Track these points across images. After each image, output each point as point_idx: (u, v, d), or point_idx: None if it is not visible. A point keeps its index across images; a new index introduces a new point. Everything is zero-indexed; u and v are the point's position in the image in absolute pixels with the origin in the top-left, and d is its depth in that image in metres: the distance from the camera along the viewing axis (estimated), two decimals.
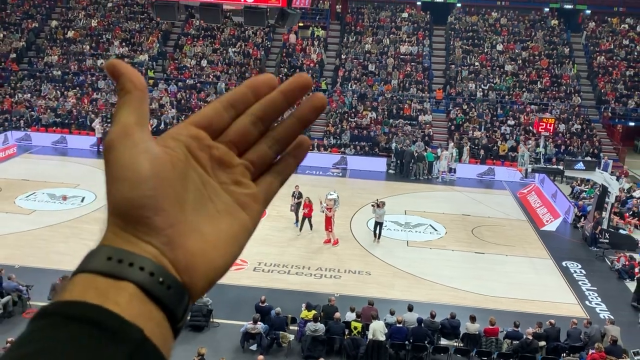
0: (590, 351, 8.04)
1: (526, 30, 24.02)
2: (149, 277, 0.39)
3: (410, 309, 8.71)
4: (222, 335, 8.50)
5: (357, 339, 8.19)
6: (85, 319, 0.36)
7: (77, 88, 21.15)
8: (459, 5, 24.75)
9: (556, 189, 15.54)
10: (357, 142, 19.21)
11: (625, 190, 15.89)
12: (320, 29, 23.85)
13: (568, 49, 23.21)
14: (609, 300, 10.33)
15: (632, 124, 21.09)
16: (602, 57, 22.77)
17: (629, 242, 12.95)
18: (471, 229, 13.52)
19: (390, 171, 17.99)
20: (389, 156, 18.27)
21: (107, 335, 0.35)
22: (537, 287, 10.58)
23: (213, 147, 0.45)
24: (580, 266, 11.79)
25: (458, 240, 12.79)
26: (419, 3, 24.82)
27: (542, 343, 8.36)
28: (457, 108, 20.78)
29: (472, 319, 8.54)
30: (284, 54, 22.93)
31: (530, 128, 18.90)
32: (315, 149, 19.09)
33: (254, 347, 8.12)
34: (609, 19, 24.37)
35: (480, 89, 21.54)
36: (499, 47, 23.17)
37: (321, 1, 24.60)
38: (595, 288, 10.80)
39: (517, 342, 8.26)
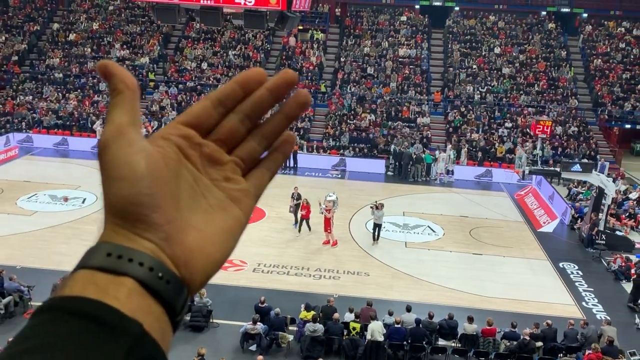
0: (587, 352, 8.09)
1: (523, 33, 24.20)
2: (148, 272, 0.39)
3: (408, 309, 8.77)
4: (221, 336, 8.55)
5: (355, 339, 8.24)
6: (84, 313, 0.36)
7: (79, 90, 21.24)
8: (457, 8, 24.93)
9: (553, 190, 15.65)
10: (356, 144, 19.30)
11: (622, 192, 15.98)
12: (319, 32, 23.98)
13: (565, 52, 23.39)
14: (605, 301, 10.40)
15: (628, 126, 21.24)
16: (599, 60, 22.96)
17: (625, 243, 13.04)
18: (469, 231, 13.60)
19: (389, 173, 18.08)
20: (387, 158, 18.37)
21: (107, 330, 0.35)
22: (534, 288, 10.65)
23: (203, 145, 0.46)
24: (577, 267, 11.87)
25: (456, 241, 12.87)
26: (417, 6, 24.99)
27: (539, 343, 8.41)
28: (455, 110, 20.91)
29: (470, 320, 8.60)
30: (284, 57, 23.06)
31: (528, 130, 19.02)
32: (315, 150, 19.20)
33: (253, 348, 8.17)
34: (605, 22, 24.58)
35: (478, 92, 21.69)
36: (497, 50, 23.34)
37: (321, 4, 24.76)
38: (592, 289, 10.88)
39: (515, 342, 8.32)
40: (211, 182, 0.45)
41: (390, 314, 8.68)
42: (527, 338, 8.22)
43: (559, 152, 18.89)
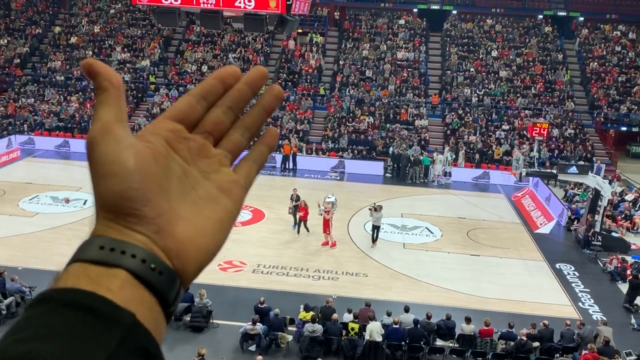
0: (583, 352, 8.17)
1: (520, 36, 24.41)
2: (141, 263, 0.40)
3: (406, 310, 8.84)
4: (221, 336, 8.60)
5: (354, 339, 8.30)
6: (78, 305, 0.37)
7: (80, 93, 21.32)
8: (454, 12, 25.13)
9: (550, 192, 15.75)
10: (354, 146, 19.41)
11: (618, 194, 16.11)
12: (318, 35, 24.14)
13: (561, 55, 23.58)
14: (601, 301, 10.48)
15: (624, 128, 21.41)
16: (595, 63, 23.16)
17: (621, 244, 13.14)
18: (466, 232, 13.69)
19: (387, 175, 18.18)
20: (386, 160, 18.48)
21: (100, 321, 0.36)
22: (531, 289, 10.74)
23: (190, 139, 0.47)
24: (573, 268, 11.96)
25: (454, 242, 12.95)
26: (415, 10, 25.17)
27: (536, 344, 8.47)
28: (452, 113, 21.05)
29: (467, 320, 8.67)
30: (283, 60, 23.19)
31: (525, 133, 19.18)
32: (314, 152, 19.30)
33: (253, 348, 8.22)
34: (601, 26, 24.81)
35: (476, 94, 21.85)
36: (494, 54, 23.53)
37: (320, 8, 24.93)
38: (588, 290, 10.96)
39: (512, 343, 8.39)
40: (200, 175, 0.46)
41: (389, 314, 8.74)
42: (524, 338, 8.29)
43: (555, 154, 19.03)
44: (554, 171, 14.68)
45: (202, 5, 10.50)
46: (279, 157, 18.26)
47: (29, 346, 0.34)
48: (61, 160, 17.88)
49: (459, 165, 18.52)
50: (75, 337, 0.35)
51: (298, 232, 12.59)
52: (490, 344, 8.53)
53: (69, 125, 19.93)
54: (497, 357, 8.36)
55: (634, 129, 21.41)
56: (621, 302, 10.49)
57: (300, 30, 22.96)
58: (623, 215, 14.94)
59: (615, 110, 21.50)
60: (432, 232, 13.56)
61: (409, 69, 22.79)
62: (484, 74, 22.67)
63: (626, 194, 16.34)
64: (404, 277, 10.97)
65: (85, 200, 13.91)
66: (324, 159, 18.77)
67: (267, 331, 8.30)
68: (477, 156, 19.01)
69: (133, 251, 0.40)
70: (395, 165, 18.13)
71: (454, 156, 18.56)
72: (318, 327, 8.17)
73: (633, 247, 13.22)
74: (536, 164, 15.13)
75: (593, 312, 10.13)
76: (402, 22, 24.96)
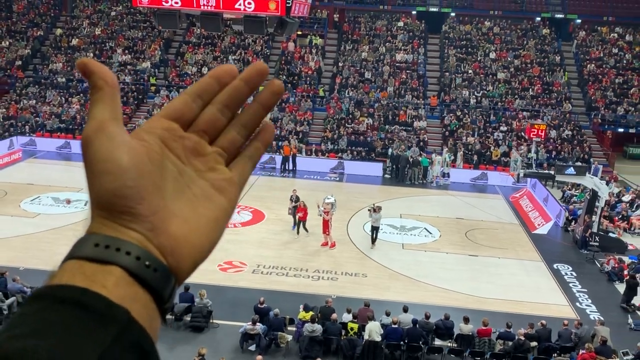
0: (581, 351, 8.22)
1: (518, 39, 24.56)
2: (136, 261, 0.40)
3: (405, 310, 8.89)
4: (221, 336, 8.64)
5: (353, 339, 8.35)
6: (73, 301, 0.37)
7: (81, 94, 21.37)
8: (453, 14, 25.28)
9: (547, 193, 15.83)
10: (354, 148, 19.50)
11: (615, 195, 16.21)
12: (318, 38, 24.26)
13: (559, 57, 23.74)
14: (598, 301, 10.54)
15: (621, 130, 21.54)
16: (592, 65, 23.31)
17: (618, 245, 13.21)
18: (465, 232, 13.76)
19: (386, 176, 18.25)
20: (385, 161, 18.56)
21: (95, 317, 0.36)
22: (529, 289, 10.80)
23: (185, 138, 0.47)
24: (571, 268, 12.03)
25: (452, 243, 13.02)
26: (414, 12, 25.32)
27: (534, 343, 8.52)
28: (451, 114, 21.17)
29: (466, 320, 8.72)
30: (283, 62, 23.28)
31: (522, 134, 19.30)
32: (313, 154, 19.38)
33: (252, 348, 8.27)
34: (598, 28, 24.97)
35: (474, 96, 21.96)
36: (492, 56, 23.67)
37: (319, 10, 25.05)
38: (586, 290, 11.02)
39: (510, 342, 8.44)
40: (195, 173, 0.46)
41: (388, 314, 8.79)
42: (522, 338, 8.34)
43: (553, 156, 19.14)
44: (552, 172, 14.78)
45: (202, 7, 10.57)
46: (278, 159, 18.33)
47: (23, 342, 0.34)
48: (62, 161, 17.92)
49: (458, 167, 18.61)
50: (70, 334, 0.35)
51: (297, 232, 12.64)
52: (489, 344, 8.58)
53: (70, 126, 19.99)
54: (495, 357, 8.41)
55: (631, 130, 21.55)
56: (618, 302, 10.55)
57: (299, 33, 23.07)
58: (620, 216, 15.03)
59: (612, 112, 21.64)
60: (430, 233, 13.63)
61: (407, 71, 22.91)
62: (482, 75, 22.80)
63: (623, 195, 16.44)
64: (403, 277, 11.03)
65: (87, 201, 13.93)
66: (323, 160, 18.84)
67: (266, 331, 8.35)
68: (475, 157, 19.11)
69: (128, 248, 0.40)
70: (394, 167, 18.21)
71: (452, 157, 18.67)
72: (317, 327, 8.22)
73: (630, 247, 13.30)
74: (534, 165, 15.23)
75: (590, 312, 10.19)
76: (400, 24, 25.09)
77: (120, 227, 0.41)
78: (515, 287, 10.85)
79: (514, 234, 14.04)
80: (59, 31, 24.34)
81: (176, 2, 10.50)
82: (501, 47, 24.05)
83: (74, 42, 23.67)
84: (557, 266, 12.11)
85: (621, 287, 10.96)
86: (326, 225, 11.96)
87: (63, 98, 21.22)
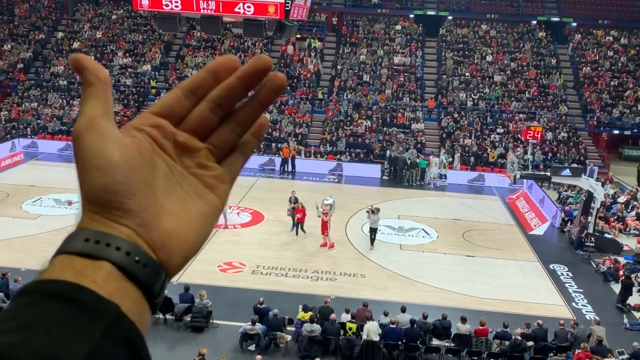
0: (577, 351, 8.30)
1: (514, 42, 24.77)
2: (126, 256, 0.40)
3: (403, 310, 8.96)
4: (221, 336, 8.70)
5: (352, 339, 8.42)
6: (62, 296, 0.37)
7: None
8: (450, 18, 25.49)
9: (544, 194, 15.96)
10: (352, 149, 19.61)
11: (610, 196, 16.32)
12: (317, 41, 24.40)
13: (555, 60, 23.95)
14: (594, 301, 10.64)
15: (616, 132, 21.73)
16: (588, 67, 23.54)
17: (613, 245, 13.32)
18: (462, 233, 13.86)
19: (384, 177, 18.37)
20: (383, 163, 18.67)
21: (84, 312, 0.36)
22: (525, 289, 10.89)
23: (176, 134, 0.46)
24: (567, 269, 12.13)
25: (449, 244, 13.12)
26: (411, 16, 25.52)
27: (530, 343, 8.59)
28: (448, 117, 21.33)
29: (463, 320, 8.79)
30: (282, 65, 23.41)
31: (519, 136, 19.45)
32: (312, 155, 19.49)
33: (252, 348, 8.33)
34: (594, 31, 25.23)
35: (471, 99, 22.14)
36: (489, 58, 23.87)
37: (318, 14, 25.23)
38: (582, 290, 11.12)
39: (507, 342, 8.51)
40: (186, 170, 0.46)
41: (386, 314, 8.85)
42: (519, 338, 8.41)
43: (549, 157, 19.30)
44: (548, 174, 14.92)
45: (202, 10, 10.67)
46: (278, 160, 18.42)
47: (11, 337, 0.34)
48: (64, 163, 17.89)
49: (455, 168, 18.75)
50: (60, 328, 0.35)
51: (296, 234, 12.71)
52: (486, 344, 8.65)
53: (72, 129, 19.84)
54: (492, 357, 8.49)
55: (626, 132, 21.76)
56: (614, 302, 10.65)
57: (298, 36, 23.20)
58: (615, 217, 15.15)
59: (607, 114, 21.84)
60: (428, 234, 13.73)
61: (405, 74, 23.07)
62: (479, 78, 22.98)
63: (618, 196, 16.59)
64: (401, 278, 11.10)
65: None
66: (322, 162, 18.94)
67: (266, 331, 8.41)
68: (472, 159, 19.25)
69: (118, 244, 0.40)
70: (392, 168, 18.33)
71: (450, 159, 18.80)
72: (316, 327, 8.29)
73: (625, 248, 13.41)
74: (530, 167, 15.38)
75: (586, 312, 10.29)
76: (398, 27, 25.29)
77: (111, 222, 0.41)
78: (512, 288, 10.94)
79: (511, 234, 14.15)
80: (60, 34, 24.46)
81: (176, 6, 10.60)
82: (498, 50, 24.26)
83: (75, 45, 23.77)
84: (553, 266, 12.22)
85: (616, 287, 11.07)
86: (325, 227, 12.04)
87: (64, 100, 21.32)
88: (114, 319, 0.37)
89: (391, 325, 8.53)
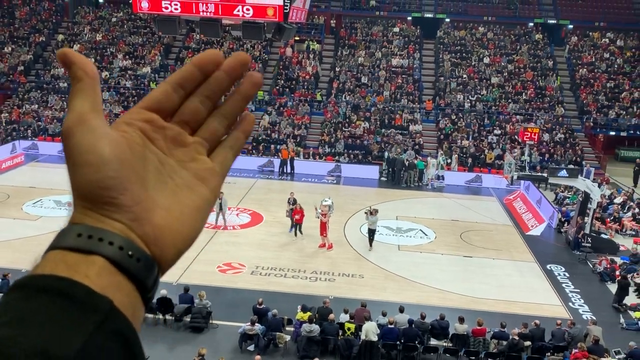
0: (574, 350, 8.37)
1: (512, 44, 24.94)
2: (118, 250, 0.40)
3: (401, 310, 9.01)
4: (221, 336, 8.73)
5: (350, 339, 8.46)
6: (55, 290, 0.36)
7: None
8: (447, 20, 25.64)
9: (541, 195, 16.05)
10: (350, 151, 19.69)
11: (607, 197, 16.43)
12: (315, 43, 24.51)
13: (552, 62, 24.11)
14: (591, 301, 10.70)
15: (612, 133, 21.87)
16: (584, 69, 23.71)
17: (610, 246, 13.41)
18: (460, 234, 13.93)
19: (383, 179, 18.44)
20: (381, 164, 18.74)
21: (77, 306, 0.36)
22: (522, 289, 10.96)
23: (166, 128, 0.46)
24: (563, 269, 12.21)
25: (447, 244, 13.19)
26: (409, 18, 25.66)
27: (528, 343, 8.65)
28: (446, 118, 21.44)
29: (461, 320, 8.86)
30: (281, 67, 23.50)
31: (516, 137, 19.56)
32: (311, 157, 19.55)
33: (251, 348, 8.37)
34: (590, 33, 25.41)
35: (468, 100, 22.27)
36: (486, 60, 24.02)
37: (316, 16, 25.34)
38: (578, 290, 11.19)
39: (504, 342, 8.57)
40: (177, 164, 0.46)
41: (384, 314, 8.91)
42: (516, 338, 8.47)
43: (546, 158, 19.42)
44: (545, 175, 15.02)
45: (201, 13, 10.75)
46: (277, 162, 18.48)
47: (5, 331, 0.34)
48: (64, 165, 17.91)
49: (452, 169, 18.84)
50: (52, 323, 0.35)
51: (295, 235, 12.77)
52: (483, 343, 8.71)
53: None
54: (490, 356, 8.54)
55: (622, 134, 21.91)
56: (610, 302, 10.71)
57: (297, 38, 23.29)
58: (612, 218, 15.25)
59: (604, 115, 22.00)
60: (426, 234, 13.80)
61: (403, 76, 23.19)
62: (476, 80, 23.12)
63: (615, 197, 16.70)
64: (399, 278, 11.16)
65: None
66: (320, 163, 19.01)
67: (265, 331, 8.45)
68: (469, 160, 19.35)
69: (110, 238, 0.40)
70: (390, 169, 18.41)
71: (447, 160, 18.91)
72: (315, 327, 8.33)
73: (622, 248, 13.50)
74: (527, 168, 15.48)
75: (583, 311, 10.35)
76: (396, 29, 25.41)
77: (103, 217, 0.42)
78: (509, 288, 11.00)
79: (508, 235, 14.23)
80: (60, 37, 24.53)
81: (176, 8, 10.67)
82: (495, 52, 24.41)
83: (76, 47, 23.80)
84: (550, 267, 12.29)
85: (613, 288, 11.14)
86: (324, 227, 12.09)
87: (65, 102, 21.40)
88: (107, 314, 0.37)
89: (389, 326, 8.58)
